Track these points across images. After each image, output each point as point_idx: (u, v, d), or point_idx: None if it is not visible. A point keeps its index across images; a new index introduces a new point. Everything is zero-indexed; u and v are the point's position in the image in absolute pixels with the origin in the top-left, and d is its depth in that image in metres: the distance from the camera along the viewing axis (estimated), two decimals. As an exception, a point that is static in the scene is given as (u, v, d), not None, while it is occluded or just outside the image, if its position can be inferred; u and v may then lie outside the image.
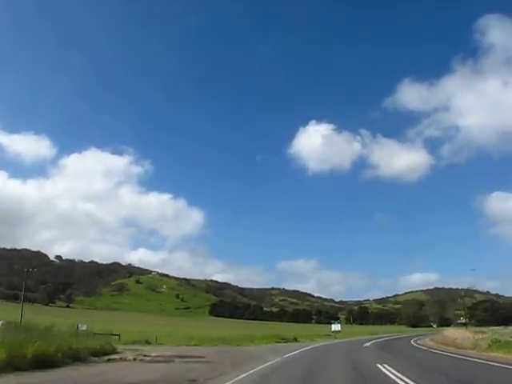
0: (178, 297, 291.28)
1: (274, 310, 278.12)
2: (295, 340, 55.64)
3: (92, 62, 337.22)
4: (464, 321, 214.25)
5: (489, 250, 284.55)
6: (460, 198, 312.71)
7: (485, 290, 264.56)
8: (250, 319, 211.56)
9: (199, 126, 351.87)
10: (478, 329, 63.09)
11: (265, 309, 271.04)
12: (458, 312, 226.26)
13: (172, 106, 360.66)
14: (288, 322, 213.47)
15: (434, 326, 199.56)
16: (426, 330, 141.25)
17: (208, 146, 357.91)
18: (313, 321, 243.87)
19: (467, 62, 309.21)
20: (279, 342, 49.03)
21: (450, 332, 54.30)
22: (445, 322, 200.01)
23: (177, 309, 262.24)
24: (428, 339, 55.27)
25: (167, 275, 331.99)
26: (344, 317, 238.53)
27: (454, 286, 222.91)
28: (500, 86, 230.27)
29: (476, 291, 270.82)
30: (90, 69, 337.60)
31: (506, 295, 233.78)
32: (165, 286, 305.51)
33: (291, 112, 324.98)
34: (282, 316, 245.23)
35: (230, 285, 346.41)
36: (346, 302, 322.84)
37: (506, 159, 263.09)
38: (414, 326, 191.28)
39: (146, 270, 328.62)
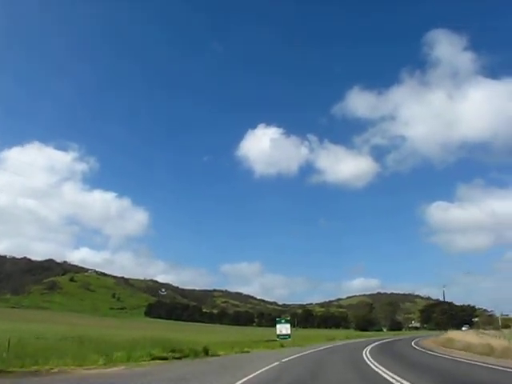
0: (113, 296, 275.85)
1: (214, 311, 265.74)
2: (205, 353, 27.78)
3: (35, 52, 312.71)
4: (417, 324, 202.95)
5: (429, 258, 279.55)
6: (403, 206, 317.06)
7: (426, 296, 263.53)
8: (188, 321, 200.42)
9: (146, 125, 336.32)
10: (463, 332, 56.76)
11: (204, 310, 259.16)
12: (409, 315, 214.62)
13: (119, 104, 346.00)
14: (228, 324, 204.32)
15: (385, 329, 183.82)
16: (389, 334, 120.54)
17: (155, 145, 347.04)
18: (254, 324, 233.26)
19: (415, 74, 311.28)
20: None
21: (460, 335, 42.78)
22: (396, 326, 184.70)
23: (111, 309, 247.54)
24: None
25: (104, 274, 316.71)
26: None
27: (395, 291, 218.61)
28: (445, 98, 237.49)
29: (417, 296, 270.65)
30: (33, 59, 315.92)
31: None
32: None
33: (241, 114, 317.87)
34: (222, 318, 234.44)
35: (170, 285, 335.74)
36: (289, 305, 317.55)
37: (448, 170, 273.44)
38: (363, 329, 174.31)
39: (83, 268, 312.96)
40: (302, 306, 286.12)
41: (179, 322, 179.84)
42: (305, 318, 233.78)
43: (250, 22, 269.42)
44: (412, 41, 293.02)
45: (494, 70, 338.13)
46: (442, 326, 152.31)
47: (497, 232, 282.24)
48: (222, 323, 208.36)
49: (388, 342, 56.21)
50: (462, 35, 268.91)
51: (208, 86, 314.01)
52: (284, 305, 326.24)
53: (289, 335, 48.44)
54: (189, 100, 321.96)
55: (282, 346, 41.82)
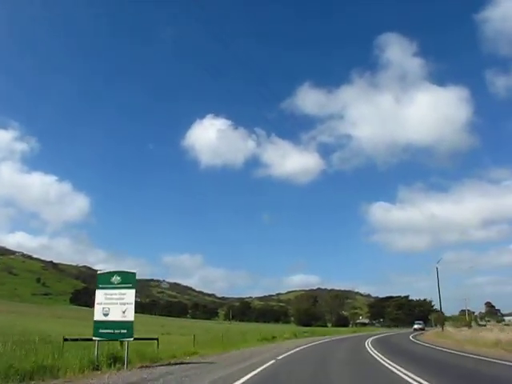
0: (38, 281, 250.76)
1: (144, 301, 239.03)
2: None
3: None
4: (365, 320, 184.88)
5: (368, 256, 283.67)
6: (346, 205, 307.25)
7: (366, 293, 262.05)
8: None
9: (89, 109, 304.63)
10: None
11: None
12: (356, 311, 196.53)
13: (61, 87, 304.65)
14: (159, 315, 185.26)
15: (329, 325, 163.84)
16: (342, 332, 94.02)
17: (99, 130, 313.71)
18: (188, 315, 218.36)
19: (365, 75, 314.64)
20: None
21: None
22: (342, 321, 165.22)
23: (34, 294, 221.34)
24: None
25: (31, 257, 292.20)
26: (224, 312, 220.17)
27: (336, 288, 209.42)
28: (392, 101, 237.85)
29: (358, 293, 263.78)
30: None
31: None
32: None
33: (189, 103, 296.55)
34: (152, 308, 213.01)
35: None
36: (228, 298, 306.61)
37: (391, 171, 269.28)
38: (305, 324, 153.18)
39: (9, 250, 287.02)
40: (240, 299, 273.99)
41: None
42: (242, 311, 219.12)
43: (202, 11, 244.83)
44: (364, 42, 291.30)
45: (440, 77, 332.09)
46: (398, 322, 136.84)
47: (435, 234, 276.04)
48: (152, 314, 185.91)
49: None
50: (413, 41, 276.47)
51: (156, 74, 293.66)
52: (223, 297, 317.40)
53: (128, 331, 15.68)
54: (135, 87, 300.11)
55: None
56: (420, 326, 77.90)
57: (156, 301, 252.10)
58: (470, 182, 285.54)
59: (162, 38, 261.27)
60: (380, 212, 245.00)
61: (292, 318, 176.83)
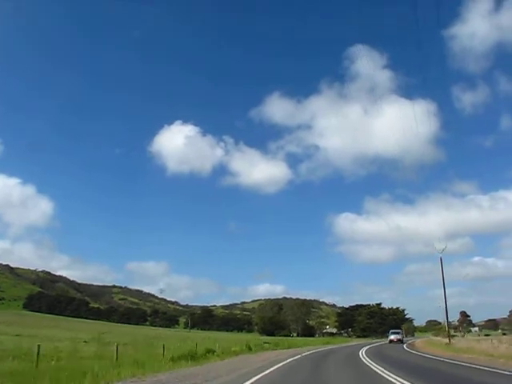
0: None
1: (102, 307, 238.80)
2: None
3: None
4: (333, 330, 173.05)
5: (334, 266, 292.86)
6: (312, 215, 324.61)
7: (331, 303, 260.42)
8: (71, 316, 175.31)
9: (54, 110, 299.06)
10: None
11: (91, 305, 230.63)
12: (323, 320, 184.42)
13: (26, 86, 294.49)
14: (116, 322, 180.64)
15: (294, 334, 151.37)
16: (315, 341, 79.56)
17: (63, 132, 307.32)
18: (147, 322, 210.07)
19: (334, 86, 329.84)
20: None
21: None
22: (308, 331, 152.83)
23: None
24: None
25: None
26: (184, 320, 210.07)
27: (301, 297, 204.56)
28: (360, 112, 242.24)
29: (323, 303, 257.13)
30: None
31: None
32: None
33: (157, 108, 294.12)
34: (110, 314, 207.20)
35: (65, 279, 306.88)
36: (191, 306, 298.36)
37: (358, 183, 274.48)
38: (269, 333, 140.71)
39: None
40: (204, 307, 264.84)
41: (53, 316, 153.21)
42: (204, 319, 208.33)
43: (173, 16, 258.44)
44: (335, 53, 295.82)
45: (408, 91, 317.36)
46: (370, 332, 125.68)
47: (400, 246, 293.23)
48: (109, 320, 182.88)
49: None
50: (383, 54, 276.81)
51: (125, 77, 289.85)
52: (187, 305, 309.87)
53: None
54: (102, 90, 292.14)
55: None
56: (398, 337, 64.23)
57: (114, 307, 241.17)
58: (434, 195, 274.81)
59: (131, 41, 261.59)
60: (346, 223, 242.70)
61: (256, 327, 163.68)
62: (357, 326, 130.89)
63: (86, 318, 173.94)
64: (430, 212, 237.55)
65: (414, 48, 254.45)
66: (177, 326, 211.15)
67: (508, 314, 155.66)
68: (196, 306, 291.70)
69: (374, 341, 79.58)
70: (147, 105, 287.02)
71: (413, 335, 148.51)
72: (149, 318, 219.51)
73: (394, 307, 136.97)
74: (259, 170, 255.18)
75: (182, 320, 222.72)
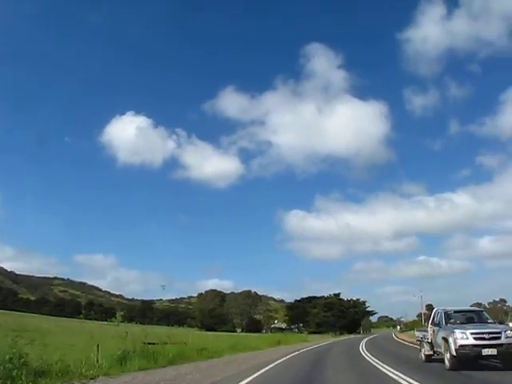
0: None
1: (32, 298, 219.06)
2: None
3: None
4: (282, 325, 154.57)
5: (283, 263, 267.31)
6: (263, 211, 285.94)
7: (279, 299, 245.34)
8: None
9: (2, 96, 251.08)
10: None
11: (20, 296, 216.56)
12: (271, 314, 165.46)
13: None
14: (48, 314, 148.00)
15: (238, 330, 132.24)
16: (263, 340, 49.58)
17: (9, 120, 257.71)
18: (81, 315, 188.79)
19: (289, 83, 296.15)
20: None
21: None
22: (254, 326, 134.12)
23: None
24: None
25: None
26: (122, 313, 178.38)
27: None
28: (314, 111, 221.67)
29: (271, 298, 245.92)
30: None
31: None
32: None
33: (109, 97, 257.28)
34: (42, 306, 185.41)
35: (1, 269, 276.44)
36: (137, 299, 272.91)
37: (309, 180, 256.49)
38: (210, 328, 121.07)
39: None
40: (151, 301, 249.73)
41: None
42: (143, 312, 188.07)
43: (128, 4, 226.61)
44: (291, 50, 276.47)
45: (362, 91, 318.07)
46: (327, 327, 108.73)
47: (348, 244, 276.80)
48: (41, 312, 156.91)
49: None
50: (339, 53, 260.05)
51: (77, 60, 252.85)
52: (132, 299, 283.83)
53: None
54: (54, 76, 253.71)
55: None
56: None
57: (46, 298, 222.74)
58: (384, 195, 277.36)
59: (84, 27, 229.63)
60: (296, 220, 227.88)
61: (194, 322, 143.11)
62: (311, 320, 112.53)
63: (12, 310, 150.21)
64: (379, 211, 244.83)
65: (368, 49, 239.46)
66: (114, 319, 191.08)
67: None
68: (143, 299, 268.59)
69: (342, 338, 60.94)
70: (99, 93, 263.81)
71: (369, 331, 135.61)
72: (83, 311, 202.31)
73: (354, 298, 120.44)
74: (211, 164, 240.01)
75: (120, 313, 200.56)
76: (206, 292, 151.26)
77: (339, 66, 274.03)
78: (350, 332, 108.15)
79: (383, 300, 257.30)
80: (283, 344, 42.70)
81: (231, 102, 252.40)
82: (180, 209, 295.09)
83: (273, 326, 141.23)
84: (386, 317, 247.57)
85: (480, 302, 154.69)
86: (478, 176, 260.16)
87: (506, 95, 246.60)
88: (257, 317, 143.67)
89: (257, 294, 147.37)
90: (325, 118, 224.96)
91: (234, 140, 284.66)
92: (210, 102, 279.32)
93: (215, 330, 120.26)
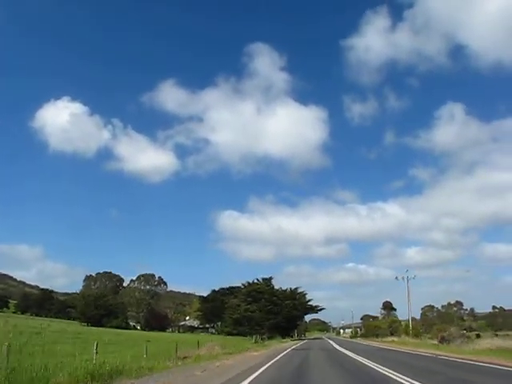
0: None
1: None
2: None
3: None
4: (195, 323, 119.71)
5: (214, 263, 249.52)
6: (197, 209, 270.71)
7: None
8: None
9: None
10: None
11: None
12: (185, 309, 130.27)
13: None
14: None
15: (138, 327, 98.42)
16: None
17: None
18: None
19: (230, 80, 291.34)
20: None
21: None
22: (158, 323, 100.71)
23: None
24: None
25: None
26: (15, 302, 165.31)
27: (175, 290, 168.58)
28: (253, 111, 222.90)
29: (195, 296, 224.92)
30: None
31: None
32: None
33: (44, 79, 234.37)
34: None
35: None
36: (54, 291, 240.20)
37: (244, 181, 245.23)
38: (95, 323, 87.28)
39: None
40: (66, 295, 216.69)
41: None
42: (40, 302, 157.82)
43: None
44: (235, 47, 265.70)
45: (303, 96, 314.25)
46: (251, 328, 76.41)
47: (280, 247, 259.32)
48: None
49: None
50: (283, 55, 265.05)
51: (10, 46, 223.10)
52: (51, 291, 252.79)
53: None
54: None
55: None
56: None
57: None
58: (317, 200, 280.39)
59: (24, 12, 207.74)
60: (229, 220, 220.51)
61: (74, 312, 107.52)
62: (227, 316, 79.05)
63: None
64: (311, 216, 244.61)
65: (312, 54, 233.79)
66: (5, 309, 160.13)
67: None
68: (70, 293, 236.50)
69: (263, 353, 30.39)
70: (34, 76, 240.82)
71: (304, 335, 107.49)
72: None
73: (293, 288, 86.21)
74: (146, 158, 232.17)
75: (12, 302, 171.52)
76: (98, 274, 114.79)
77: (282, 68, 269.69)
78: (283, 335, 78.12)
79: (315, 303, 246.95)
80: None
81: (171, 96, 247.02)
82: (112, 202, 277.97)
83: (182, 323, 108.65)
84: (318, 319, 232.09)
85: (432, 304, 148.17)
86: (409, 188, 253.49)
87: (441, 111, 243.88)
88: (165, 311, 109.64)
89: (162, 279, 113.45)
90: (264, 119, 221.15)
91: (171, 135, 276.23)
92: (149, 94, 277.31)
93: (103, 326, 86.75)
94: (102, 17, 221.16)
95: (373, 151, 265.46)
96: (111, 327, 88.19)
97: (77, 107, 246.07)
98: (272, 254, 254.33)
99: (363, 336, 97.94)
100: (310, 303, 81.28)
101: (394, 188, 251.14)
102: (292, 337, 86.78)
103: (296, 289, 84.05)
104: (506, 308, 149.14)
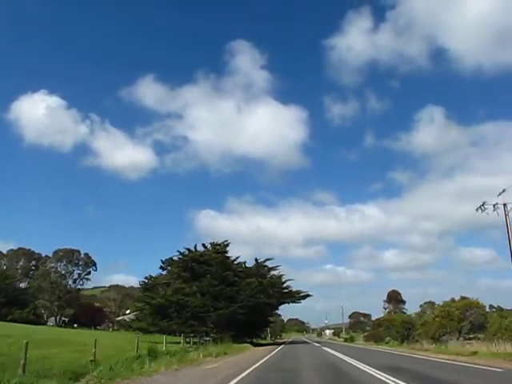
0: None
1: None
2: None
3: None
4: (128, 317, 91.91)
5: None
6: (175, 208, 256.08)
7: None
8: None
9: None
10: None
11: None
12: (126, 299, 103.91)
13: None
14: None
15: (51, 322, 72.59)
16: None
17: None
18: None
19: (210, 77, 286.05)
20: None
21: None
22: (86, 317, 75.52)
23: None
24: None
25: None
26: None
27: None
28: (233, 109, 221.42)
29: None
30: None
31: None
32: None
33: (21, 72, 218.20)
34: None
35: None
36: None
37: (222, 180, 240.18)
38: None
39: None
40: None
41: None
42: None
43: None
44: (216, 44, 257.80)
45: (283, 95, 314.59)
46: (202, 323, 47.63)
47: (258, 247, 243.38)
48: None
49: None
50: (264, 54, 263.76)
51: None
52: None
53: None
54: None
55: None
56: None
57: None
58: (296, 201, 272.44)
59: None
60: (207, 219, 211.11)
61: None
62: (144, 305, 51.00)
63: None
64: (290, 217, 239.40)
65: (293, 52, 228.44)
66: None
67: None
68: None
69: None
70: (12, 68, 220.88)
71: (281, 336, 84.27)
72: None
73: (261, 260, 57.48)
74: (124, 154, 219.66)
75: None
76: (10, 251, 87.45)
77: (263, 67, 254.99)
78: (246, 335, 53.08)
79: (287, 306, 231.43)
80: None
81: (150, 92, 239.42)
82: (88, 199, 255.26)
83: (120, 318, 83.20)
84: (296, 319, 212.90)
85: (433, 300, 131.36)
86: (388, 190, 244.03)
87: (421, 113, 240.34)
88: (97, 304, 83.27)
89: (90, 257, 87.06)
90: (243, 118, 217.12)
91: (150, 131, 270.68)
92: (128, 90, 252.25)
93: (6, 320, 61.95)
94: (82, 11, 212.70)
95: (353, 153, 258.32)
96: (11, 321, 63.30)
97: (54, 100, 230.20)
98: (250, 255, 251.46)
99: (367, 339, 74.79)
100: (287, 287, 53.95)
101: (373, 190, 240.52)
102: (263, 338, 62.62)
103: (265, 261, 56.36)
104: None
